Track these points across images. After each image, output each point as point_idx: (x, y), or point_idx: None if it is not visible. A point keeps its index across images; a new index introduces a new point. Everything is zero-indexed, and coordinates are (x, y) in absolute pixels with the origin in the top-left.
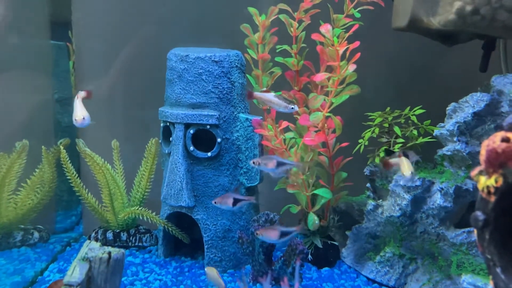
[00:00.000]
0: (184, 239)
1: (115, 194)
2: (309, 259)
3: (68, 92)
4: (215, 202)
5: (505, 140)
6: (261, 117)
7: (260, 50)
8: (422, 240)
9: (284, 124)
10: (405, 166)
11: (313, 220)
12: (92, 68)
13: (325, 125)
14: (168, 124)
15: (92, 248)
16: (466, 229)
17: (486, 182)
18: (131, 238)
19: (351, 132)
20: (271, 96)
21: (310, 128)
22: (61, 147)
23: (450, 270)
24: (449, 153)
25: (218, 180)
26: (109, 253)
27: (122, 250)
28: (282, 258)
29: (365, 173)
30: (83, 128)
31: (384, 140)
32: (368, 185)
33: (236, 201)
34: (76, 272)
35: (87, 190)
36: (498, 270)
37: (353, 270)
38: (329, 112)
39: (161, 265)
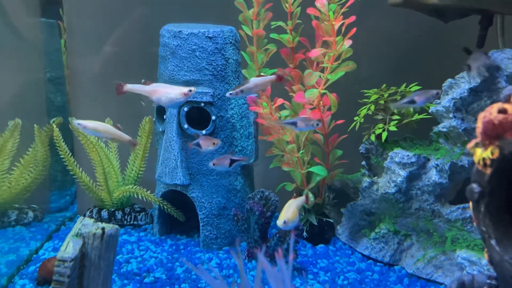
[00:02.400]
0: (179, 217)
1: (109, 173)
2: (304, 236)
3: (60, 71)
4: (213, 164)
5: (502, 111)
6: (256, 95)
7: (255, 26)
8: (417, 216)
9: (279, 101)
10: (283, 212)
11: (309, 197)
12: (84, 46)
13: (321, 102)
14: None
15: (86, 224)
16: (461, 205)
17: (482, 154)
18: (126, 217)
19: (346, 109)
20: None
21: (305, 105)
22: (54, 126)
23: (444, 246)
24: (444, 129)
25: (213, 158)
26: (103, 228)
27: (116, 226)
28: (277, 235)
29: (360, 151)
30: (76, 107)
31: (379, 117)
32: (363, 162)
33: (232, 162)
34: (69, 247)
35: (81, 169)
36: (493, 242)
37: (348, 247)
38: (325, 89)
39: (156, 243)
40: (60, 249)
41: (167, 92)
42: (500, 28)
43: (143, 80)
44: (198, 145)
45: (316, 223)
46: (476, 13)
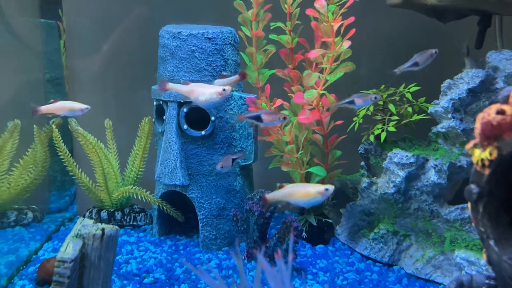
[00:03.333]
0: (178, 217)
1: (108, 174)
2: (304, 237)
3: (59, 71)
4: (222, 167)
5: (500, 112)
6: (255, 95)
7: (254, 27)
8: (416, 217)
9: (278, 102)
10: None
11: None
12: (84, 47)
13: (320, 103)
14: (161, 102)
15: (86, 225)
16: (460, 206)
17: (481, 155)
18: (125, 217)
19: (345, 110)
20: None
21: (304, 106)
22: (54, 127)
23: (443, 246)
24: (443, 130)
25: (212, 159)
26: (103, 229)
27: (116, 227)
28: (276, 235)
29: (360, 151)
30: None
31: (378, 118)
32: (362, 163)
33: (233, 161)
34: (69, 248)
35: (80, 169)
36: (492, 242)
37: (347, 247)
38: (324, 89)
39: (156, 243)
40: (60, 250)
41: (203, 92)
42: (498, 29)
43: (182, 81)
44: (259, 119)
45: (315, 224)
46: (474, 14)
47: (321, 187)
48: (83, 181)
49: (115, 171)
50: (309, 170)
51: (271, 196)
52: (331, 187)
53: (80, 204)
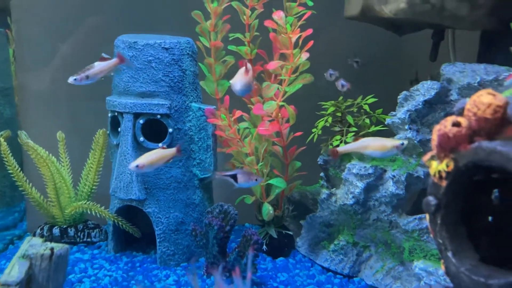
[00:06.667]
0: (135, 233)
1: (61, 188)
2: (264, 250)
3: (8, 81)
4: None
5: (456, 124)
6: (215, 107)
7: (213, 38)
8: (375, 227)
9: (238, 113)
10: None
11: (268, 210)
12: (34, 56)
13: (279, 114)
14: (116, 114)
15: (34, 245)
16: (418, 216)
17: (438, 167)
18: (79, 234)
19: (304, 121)
20: None
21: (264, 117)
22: (2, 140)
23: (402, 257)
24: None
25: (170, 172)
26: (52, 249)
27: (66, 245)
28: (236, 250)
29: (319, 162)
30: (26, 120)
31: (337, 129)
32: (321, 174)
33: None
34: (15, 270)
35: (31, 184)
36: (450, 254)
37: (308, 259)
38: (283, 101)
39: (111, 260)
40: (4, 272)
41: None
42: (451, 42)
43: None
44: (235, 178)
45: (275, 236)
46: (428, 27)
47: (397, 141)
48: (33, 196)
49: (68, 186)
50: (269, 181)
51: (343, 149)
52: (406, 142)
53: (30, 220)
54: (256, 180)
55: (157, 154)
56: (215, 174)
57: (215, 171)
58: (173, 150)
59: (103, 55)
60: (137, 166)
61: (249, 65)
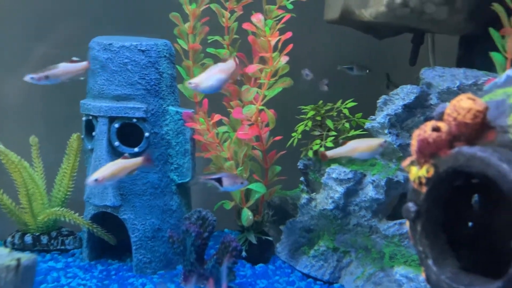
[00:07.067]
0: (110, 240)
1: (33, 194)
2: (243, 256)
3: None
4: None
5: (435, 129)
6: (193, 110)
7: (191, 40)
8: (355, 233)
9: (217, 117)
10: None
11: (247, 215)
12: (6, 58)
13: (259, 118)
14: (90, 117)
15: None
16: (398, 221)
17: (418, 172)
18: (52, 241)
19: (284, 125)
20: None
21: (243, 121)
22: None
23: (383, 262)
24: None
25: (146, 177)
26: (18, 259)
27: (34, 256)
28: (214, 257)
29: (299, 167)
30: None
31: (317, 133)
32: (301, 178)
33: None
34: None
35: (1, 190)
36: (430, 262)
37: (288, 266)
38: (263, 105)
39: (85, 269)
40: None
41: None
42: (430, 46)
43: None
44: (220, 182)
45: (255, 242)
46: (408, 31)
47: (380, 140)
48: (4, 203)
49: (41, 192)
50: (249, 186)
51: (331, 153)
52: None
53: (1, 228)
54: (242, 183)
55: (118, 165)
56: (199, 178)
57: (199, 175)
58: (137, 160)
59: (74, 58)
60: (95, 180)
61: (233, 61)
